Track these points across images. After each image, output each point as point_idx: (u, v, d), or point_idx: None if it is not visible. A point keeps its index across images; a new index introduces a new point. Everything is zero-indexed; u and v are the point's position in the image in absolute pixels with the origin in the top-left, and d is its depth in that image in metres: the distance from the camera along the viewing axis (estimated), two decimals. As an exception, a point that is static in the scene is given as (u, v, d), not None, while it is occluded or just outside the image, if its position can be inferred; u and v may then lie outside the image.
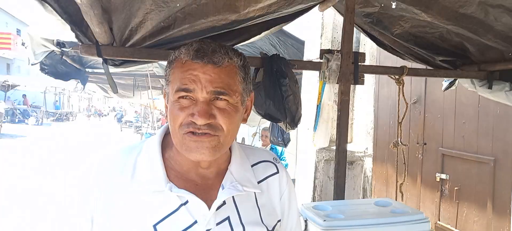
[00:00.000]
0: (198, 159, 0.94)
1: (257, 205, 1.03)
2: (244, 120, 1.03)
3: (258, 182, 1.06)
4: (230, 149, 1.06)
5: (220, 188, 0.98)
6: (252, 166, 1.08)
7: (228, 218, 0.97)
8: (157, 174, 0.96)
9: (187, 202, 0.94)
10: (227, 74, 0.93)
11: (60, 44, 3.41)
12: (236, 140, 1.13)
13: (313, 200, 3.18)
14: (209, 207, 0.94)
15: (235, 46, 2.20)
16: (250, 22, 2.05)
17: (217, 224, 0.95)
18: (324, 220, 1.70)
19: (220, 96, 0.92)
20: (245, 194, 1.01)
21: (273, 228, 1.05)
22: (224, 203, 0.97)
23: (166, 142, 1.03)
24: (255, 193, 1.04)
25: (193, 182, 0.99)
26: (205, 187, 0.99)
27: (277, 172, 1.11)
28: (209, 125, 0.91)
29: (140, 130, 17.38)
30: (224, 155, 1.03)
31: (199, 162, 0.99)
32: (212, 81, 0.91)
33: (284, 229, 1.12)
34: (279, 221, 1.08)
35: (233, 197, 0.99)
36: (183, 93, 0.92)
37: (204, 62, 0.91)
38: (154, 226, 0.92)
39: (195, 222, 0.93)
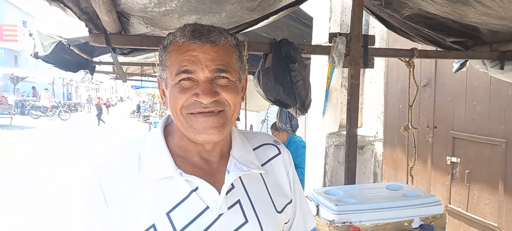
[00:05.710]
0: (206, 140, 0.95)
1: (265, 186, 1.04)
2: (241, 99, 1.03)
3: (262, 165, 1.07)
4: (230, 134, 1.06)
5: (226, 173, 0.99)
6: (253, 149, 1.09)
7: (238, 201, 0.98)
8: (164, 161, 0.96)
9: (197, 188, 0.95)
10: (225, 52, 0.94)
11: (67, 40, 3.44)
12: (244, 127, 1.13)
13: (324, 185, 3.18)
14: (219, 192, 0.94)
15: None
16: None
17: (229, 208, 0.96)
18: (336, 205, 1.69)
19: (221, 74, 0.93)
20: (253, 176, 1.02)
21: (282, 209, 1.05)
22: (233, 187, 0.98)
23: (167, 131, 1.04)
24: (261, 174, 1.05)
25: (199, 166, 0.99)
26: (211, 171, 1.00)
27: (279, 153, 1.12)
28: (215, 102, 0.91)
29: (148, 119, 17.44)
30: (226, 138, 1.03)
31: (203, 145, 0.99)
32: (212, 59, 0.91)
33: (294, 206, 1.12)
34: (289, 202, 1.09)
35: (241, 180, 1.00)
36: (184, 75, 0.92)
37: (202, 42, 0.91)
38: (167, 214, 0.92)
39: (207, 207, 0.94)
